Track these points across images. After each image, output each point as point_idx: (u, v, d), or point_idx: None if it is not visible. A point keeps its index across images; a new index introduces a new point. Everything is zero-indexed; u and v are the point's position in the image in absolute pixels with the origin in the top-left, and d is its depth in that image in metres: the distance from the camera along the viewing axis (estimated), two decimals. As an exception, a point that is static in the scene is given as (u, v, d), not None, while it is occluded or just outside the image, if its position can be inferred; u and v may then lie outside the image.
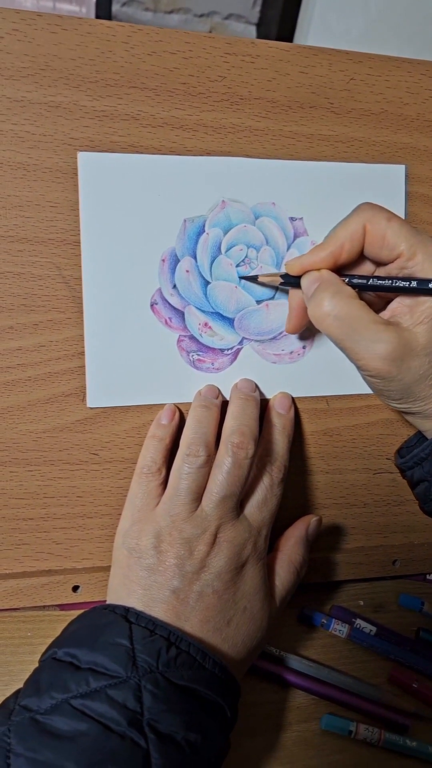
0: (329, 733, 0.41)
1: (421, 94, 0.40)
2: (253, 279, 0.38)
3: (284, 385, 0.41)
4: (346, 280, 0.35)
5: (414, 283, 0.33)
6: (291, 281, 0.37)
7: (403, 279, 0.34)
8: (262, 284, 0.39)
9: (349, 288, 0.34)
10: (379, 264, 0.36)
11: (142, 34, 0.35)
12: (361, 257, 0.36)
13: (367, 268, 0.37)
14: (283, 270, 0.37)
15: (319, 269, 0.35)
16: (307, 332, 0.41)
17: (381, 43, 0.99)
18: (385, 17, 0.98)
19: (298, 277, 0.36)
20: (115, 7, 1.26)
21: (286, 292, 0.39)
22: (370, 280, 0.35)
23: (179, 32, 0.36)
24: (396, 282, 0.34)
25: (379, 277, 0.35)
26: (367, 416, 0.43)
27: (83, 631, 0.32)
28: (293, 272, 0.36)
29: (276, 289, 0.39)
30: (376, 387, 0.36)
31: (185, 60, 0.36)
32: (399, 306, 0.36)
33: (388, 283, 0.34)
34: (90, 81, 0.35)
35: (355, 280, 0.35)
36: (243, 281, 0.39)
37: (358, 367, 0.35)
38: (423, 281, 0.33)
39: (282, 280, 0.37)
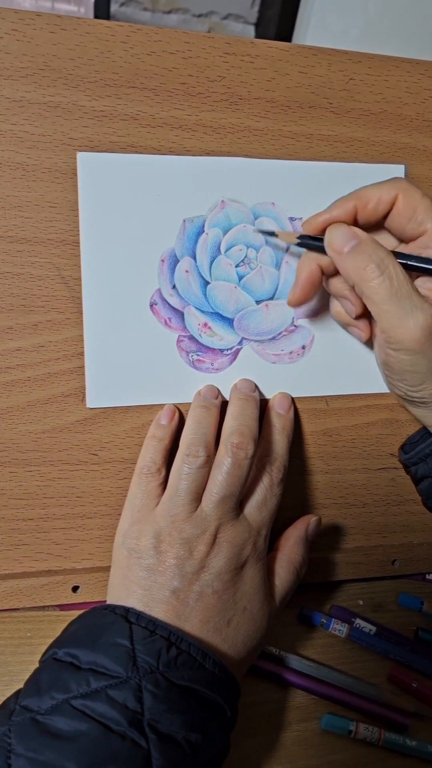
0: (329, 733, 0.41)
1: (420, 94, 0.40)
2: (271, 233, 0.38)
3: (284, 386, 0.41)
4: None
5: None
6: (309, 243, 0.36)
7: None
8: (277, 244, 0.38)
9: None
10: (401, 240, 0.36)
11: (141, 34, 0.35)
12: (380, 229, 0.35)
13: (388, 244, 0.36)
14: (287, 277, 0.37)
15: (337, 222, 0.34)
16: (306, 330, 0.41)
17: (380, 42, 0.99)
18: (384, 17, 0.98)
19: (317, 239, 0.35)
20: (114, 7, 1.26)
21: (296, 257, 0.38)
22: (406, 259, 0.34)
23: (178, 32, 0.36)
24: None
25: (414, 256, 0.34)
26: (366, 416, 0.43)
27: (83, 631, 0.32)
28: (315, 231, 0.35)
29: (291, 248, 0.38)
30: (400, 368, 0.35)
31: (184, 60, 0.36)
32: (422, 287, 0.35)
33: (420, 263, 0.34)
34: (89, 81, 0.35)
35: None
36: (253, 264, 0.38)
37: (389, 340, 0.34)
38: None
39: (299, 240, 0.36)
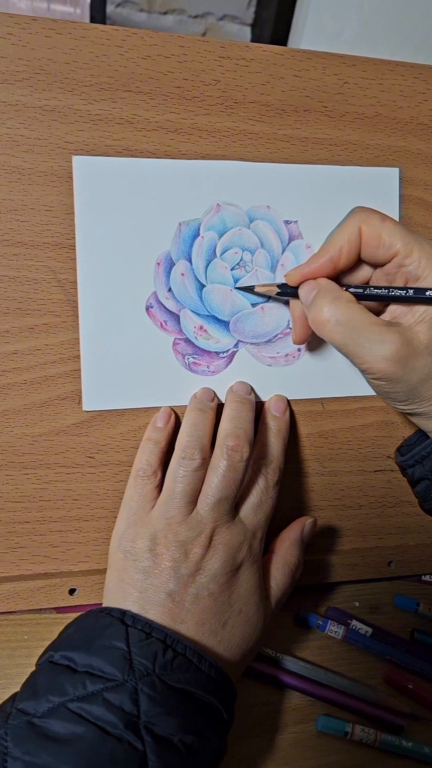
0: (325, 735, 0.41)
1: (414, 98, 0.40)
2: (250, 289, 0.38)
3: (279, 388, 0.41)
4: (344, 288, 0.35)
5: (411, 292, 0.34)
6: (288, 291, 0.37)
7: (400, 288, 0.34)
8: (259, 294, 0.39)
9: (347, 293, 0.34)
10: (376, 266, 0.36)
11: (137, 38, 0.35)
12: (358, 262, 0.36)
13: (364, 273, 0.37)
14: (282, 280, 0.37)
15: (316, 278, 0.35)
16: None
17: (375, 44, 0.99)
18: (380, 19, 0.98)
19: (296, 288, 0.36)
20: (110, 8, 1.26)
21: (285, 303, 0.39)
22: (367, 290, 0.35)
23: (173, 36, 0.36)
24: (392, 291, 0.34)
25: (375, 286, 0.35)
26: (362, 418, 0.43)
27: (80, 634, 0.32)
28: (293, 282, 0.36)
29: (270, 299, 0.39)
30: (382, 390, 0.36)
31: (180, 64, 0.36)
32: (398, 307, 0.36)
33: (384, 292, 0.34)
34: (85, 85, 0.35)
35: (351, 289, 0.35)
36: (249, 266, 0.39)
37: (363, 371, 0.35)
38: (419, 290, 0.34)
39: (279, 290, 0.37)
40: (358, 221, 0.34)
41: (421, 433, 0.42)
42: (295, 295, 0.37)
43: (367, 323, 0.33)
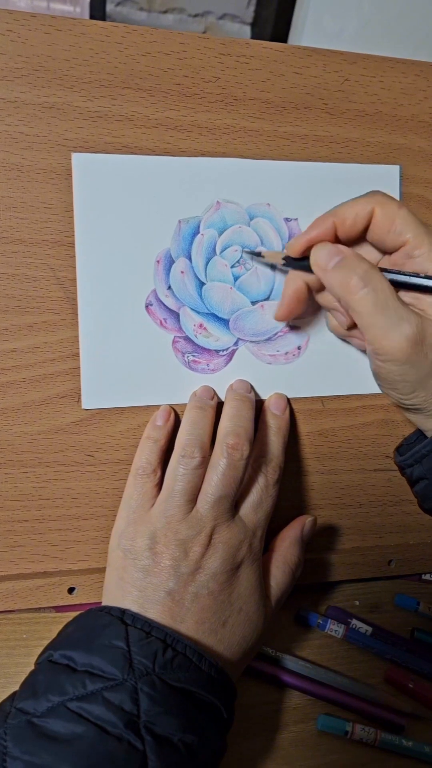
0: (325, 734, 0.41)
1: (415, 95, 0.40)
2: (257, 254, 0.38)
3: (279, 386, 0.41)
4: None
5: None
6: (295, 264, 0.36)
7: (423, 276, 0.34)
8: (264, 263, 0.38)
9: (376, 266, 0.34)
10: (383, 252, 0.36)
11: (137, 35, 0.35)
12: (362, 242, 0.36)
13: (371, 258, 0.36)
14: (281, 280, 0.37)
15: (318, 242, 0.35)
16: (302, 330, 0.41)
17: (375, 42, 0.99)
18: (379, 17, 0.98)
19: (301, 260, 0.36)
20: (110, 7, 1.26)
21: (285, 272, 0.39)
22: (389, 274, 0.34)
23: (173, 33, 0.36)
24: (412, 278, 0.34)
25: (396, 271, 0.34)
26: (362, 417, 0.43)
27: (79, 633, 0.32)
28: (296, 253, 0.36)
29: (278, 269, 0.39)
30: (390, 377, 0.35)
31: (180, 61, 0.36)
32: (408, 294, 0.36)
33: (404, 278, 0.34)
34: (84, 82, 0.35)
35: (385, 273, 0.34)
36: (249, 264, 0.38)
37: (377, 351, 0.34)
38: None
39: (283, 261, 0.37)
40: (373, 202, 0.34)
41: (420, 433, 0.42)
42: (300, 267, 0.36)
43: (394, 299, 0.33)
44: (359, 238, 0.35)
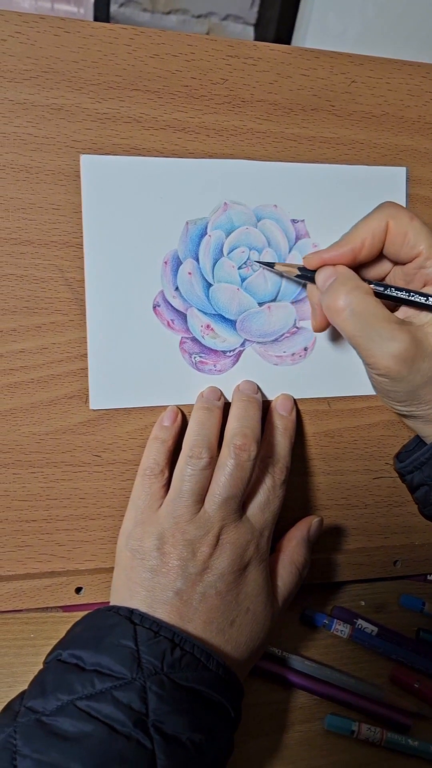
0: (331, 733, 0.41)
1: (422, 97, 0.40)
2: (270, 266, 0.38)
3: (286, 387, 0.41)
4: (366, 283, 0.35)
5: (431, 300, 0.34)
6: (307, 275, 0.37)
7: (421, 294, 0.34)
8: (278, 273, 0.39)
9: (366, 285, 0.34)
10: (396, 263, 0.36)
11: (145, 37, 0.35)
12: (379, 256, 0.36)
13: (383, 268, 0.37)
14: (302, 263, 0.37)
15: (336, 264, 0.35)
16: (308, 332, 0.41)
17: (379, 44, 0.99)
18: (383, 18, 0.98)
19: (314, 272, 0.36)
20: (113, 8, 1.26)
21: (301, 285, 0.39)
22: (388, 289, 0.35)
23: (181, 35, 0.36)
24: (412, 295, 0.34)
25: (396, 287, 0.35)
26: (368, 417, 0.43)
27: (88, 632, 0.32)
28: (311, 266, 0.36)
29: (290, 279, 0.39)
30: (382, 387, 0.36)
31: (187, 63, 0.36)
32: (406, 310, 0.36)
33: (404, 295, 0.34)
34: (92, 83, 0.35)
35: (373, 285, 0.35)
36: (256, 266, 0.39)
37: (368, 366, 0.35)
38: None
39: (298, 272, 0.37)
40: (386, 216, 0.34)
41: (419, 439, 0.42)
42: (314, 280, 0.36)
43: (380, 318, 0.33)
44: (379, 253, 0.36)
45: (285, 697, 0.42)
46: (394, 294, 0.35)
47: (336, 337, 0.41)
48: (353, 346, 0.34)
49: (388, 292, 0.35)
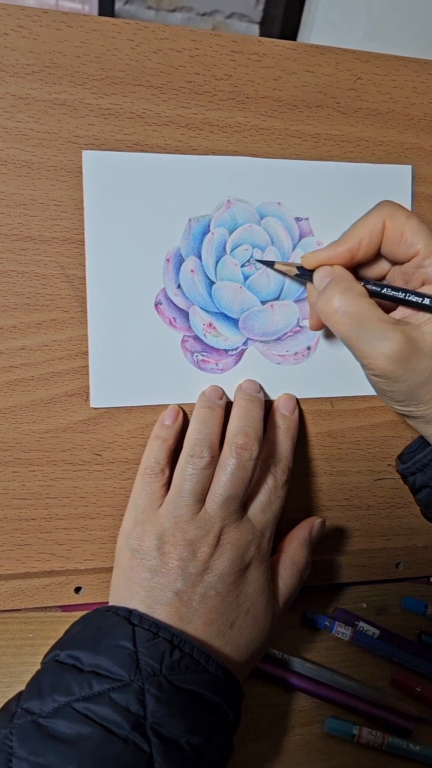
0: (332, 737, 0.41)
1: (428, 94, 0.40)
2: (270, 264, 0.38)
3: (288, 386, 0.40)
4: (362, 283, 0.34)
5: (427, 300, 0.33)
6: (306, 274, 0.36)
7: (417, 294, 0.34)
8: (278, 271, 0.38)
9: (359, 286, 0.34)
10: (394, 262, 0.36)
11: (148, 32, 0.35)
12: (378, 255, 0.36)
13: (381, 267, 0.36)
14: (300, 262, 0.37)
15: (333, 264, 0.35)
16: (311, 331, 0.40)
17: (385, 40, 0.99)
18: (389, 16, 0.98)
19: (312, 272, 0.36)
20: (118, 5, 1.25)
21: (301, 283, 0.39)
22: (384, 289, 0.34)
23: (185, 30, 0.35)
24: (408, 296, 0.34)
25: (392, 287, 0.34)
26: (371, 418, 0.43)
27: (86, 633, 0.32)
28: (308, 266, 0.36)
29: (290, 278, 0.39)
30: (379, 387, 0.35)
31: (191, 58, 0.36)
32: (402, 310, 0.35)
33: (401, 295, 0.34)
34: (95, 79, 0.35)
35: (369, 286, 0.34)
36: (259, 264, 0.38)
37: (363, 366, 0.34)
38: None
39: (297, 271, 0.37)
40: (383, 215, 0.34)
41: (421, 440, 0.41)
42: (312, 279, 0.36)
43: (373, 319, 0.33)
44: (378, 253, 0.35)
45: (285, 700, 0.42)
46: (391, 294, 0.34)
47: (339, 336, 0.41)
48: (348, 347, 0.34)
49: (384, 291, 0.34)
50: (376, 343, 0.32)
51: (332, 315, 0.33)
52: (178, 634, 0.31)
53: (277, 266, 0.38)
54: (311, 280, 0.36)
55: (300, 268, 0.37)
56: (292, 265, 0.37)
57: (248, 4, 1.33)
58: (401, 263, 0.35)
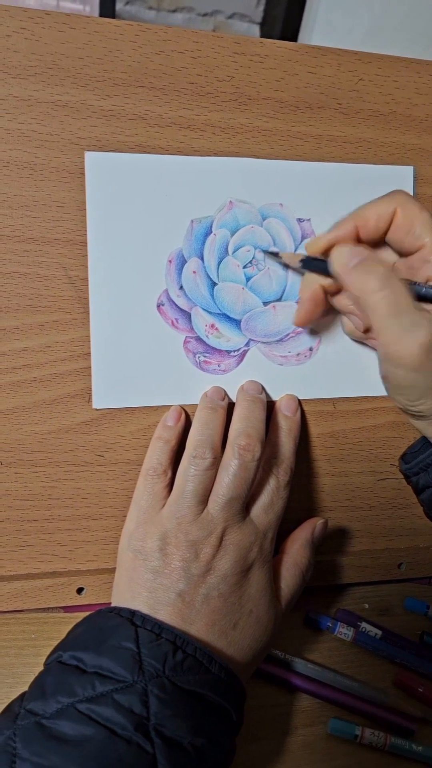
0: (335, 737, 0.41)
1: (430, 95, 0.40)
2: (275, 254, 0.38)
3: (291, 387, 0.40)
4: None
5: None
6: (311, 264, 0.36)
7: None
8: (284, 264, 0.38)
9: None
10: (399, 253, 0.36)
11: (150, 33, 0.35)
12: (381, 244, 0.35)
13: (386, 258, 0.36)
14: (296, 276, 0.37)
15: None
16: (314, 332, 0.40)
17: (386, 41, 0.99)
18: (390, 16, 0.98)
19: (319, 261, 0.35)
20: (119, 6, 1.25)
21: (301, 275, 0.39)
22: (425, 289, 0.34)
23: (187, 31, 0.35)
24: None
25: (417, 283, 0.34)
26: (373, 418, 0.43)
27: (89, 634, 0.32)
28: (315, 251, 0.35)
29: (293, 270, 0.39)
30: (398, 383, 0.35)
31: (193, 59, 0.36)
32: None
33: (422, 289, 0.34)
34: (97, 80, 0.35)
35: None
36: (261, 265, 0.38)
37: (387, 356, 0.34)
38: None
39: (302, 262, 0.36)
40: (395, 203, 0.34)
41: (424, 440, 0.41)
42: (319, 269, 0.36)
43: (410, 304, 0.32)
44: (381, 239, 0.35)
45: (288, 701, 0.42)
46: (424, 292, 0.34)
47: (341, 337, 0.41)
48: (379, 329, 0.33)
49: (425, 292, 0.34)
50: (410, 328, 0.32)
51: (371, 294, 0.32)
52: (180, 635, 0.31)
53: (282, 254, 0.37)
54: (315, 270, 0.36)
55: (306, 258, 0.36)
56: (298, 255, 0.37)
57: (249, 5, 1.33)
58: (404, 254, 0.35)
